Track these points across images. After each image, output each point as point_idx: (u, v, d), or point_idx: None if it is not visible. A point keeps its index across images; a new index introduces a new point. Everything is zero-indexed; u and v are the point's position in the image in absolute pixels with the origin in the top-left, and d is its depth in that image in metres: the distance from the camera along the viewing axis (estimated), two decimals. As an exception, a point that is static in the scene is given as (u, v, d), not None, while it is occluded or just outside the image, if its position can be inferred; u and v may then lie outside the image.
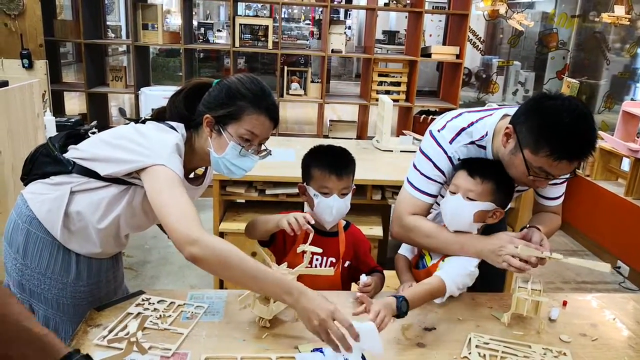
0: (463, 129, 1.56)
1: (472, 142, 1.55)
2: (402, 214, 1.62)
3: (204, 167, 1.59)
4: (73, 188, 1.37)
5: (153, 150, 1.30)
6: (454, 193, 1.52)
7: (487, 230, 1.60)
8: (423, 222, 1.59)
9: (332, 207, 1.60)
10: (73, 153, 1.40)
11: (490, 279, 1.65)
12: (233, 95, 1.37)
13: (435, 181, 1.59)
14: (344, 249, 1.69)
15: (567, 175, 1.51)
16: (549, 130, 1.34)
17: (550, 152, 1.34)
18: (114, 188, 1.37)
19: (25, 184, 1.47)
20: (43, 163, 1.43)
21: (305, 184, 1.67)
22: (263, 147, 1.45)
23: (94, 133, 1.45)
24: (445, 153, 1.56)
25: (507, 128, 1.43)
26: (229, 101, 1.37)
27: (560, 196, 1.70)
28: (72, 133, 1.49)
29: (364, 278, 1.55)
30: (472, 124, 1.56)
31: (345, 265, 1.70)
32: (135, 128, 1.39)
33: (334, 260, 1.68)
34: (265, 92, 1.40)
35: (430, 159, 1.59)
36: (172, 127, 1.40)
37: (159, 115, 1.48)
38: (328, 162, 1.62)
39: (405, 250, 1.73)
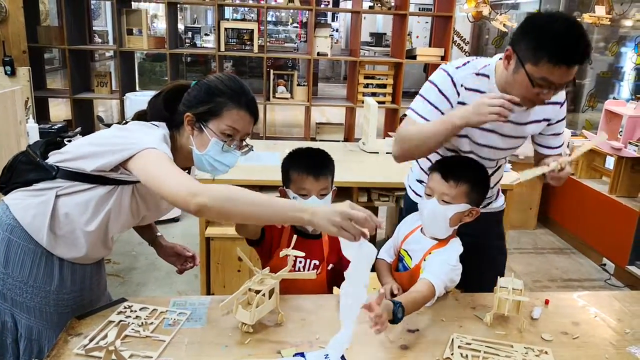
0: (468, 61, 1.68)
1: (477, 74, 1.64)
2: (399, 132, 1.68)
3: (188, 169, 1.59)
4: (58, 192, 1.36)
5: (140, 140, 1.30)
6: (429, 196, 1.54)
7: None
8: (409, 128, 1.63)
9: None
10: (56, 157, 1.39)
11: (483, 279, 1.66)
12: (212, 92, 1.39)
13: (438, 109, 1.63)
14: (328, 251, 1.70)
15: (563, 98, 1.65)
16: (545, 40, 1.43)
17: (549, 58, 1.42)
18: (100, 189, 1.36)
19: (4, 193, 1.45)
20: (24, 171, 1.41)
21: (285, 187, 1.67)
22: (244, 143, 1.46)
23: (69, 141, 1.44)
24: (451, 78, 1.63)
25: (506, 50, 1.52)
26: (208, 98, 1.39)
27: (561, 145, 1.79)
28: (51, 141, 1.48)
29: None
30: (475, 59, 1.69)
31: (329, 268, 1.70)
32: (118, 127, 1.41)
33: (317, 262, 1.68)
34: (244, 89, 1.42)
35: (435, 85, 1.65)
36: (155, 125, 1.41)
37: (140, 118, 1.48)
38: (305, 164, 1.63)
39: (384, 253, 1.74)
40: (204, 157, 1.40)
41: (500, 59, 1.58)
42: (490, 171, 1.80)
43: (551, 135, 1.76)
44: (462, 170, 1.53)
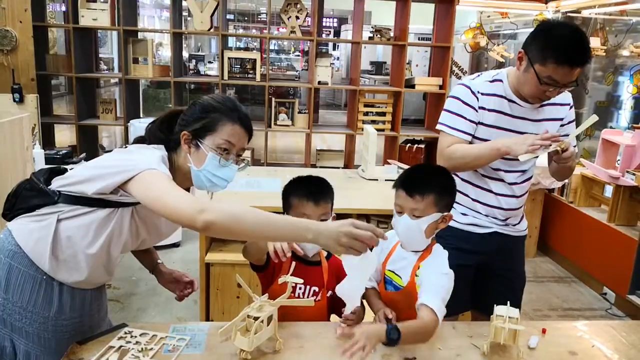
0: (481, 73, 1.95)
1: (491, 81, 1.89)
2: (442, 150, 1.90)
3: (187, 190, 1.61)
4: (60, 216, 1.39)
5: (139, 161, 1.33)
6: (400, 213, 1.57)
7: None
8: (457, 147, 1.87)
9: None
10: (58, 182, 1.43)
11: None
12: (206, 109, 1.45)
13: (465, 117, 1.87)
14: (327, 277, 1.72)
15: (565, 94, 1.86)
16: (552, 43, 1.67)
17: (554, 59, 1.66)
18: (101, 212, 1.39)
19: (8, 220, 1.48)
20: (28, 197, 1.45)
21: (285, 213, 1.70)
22: (241, 158, 1.50)
23: (72, 168, 1.48)
24: (469, 88, 1.89)
25: (519, 52, 1.77)
26: (203, 115, 1.44)
27: (574, 146, 1.93)
28: (55, 169, 1.52)
29: (349, 308, 1.56)
30: (485, 72, 1.96)
31: (328, 294, 1.72)
32: (118, 150, 1.46)
33: (316, 289, 1.69)
34: (237, 105, 1.48)
35: (457, 98, 1.90)
36: (154, 148, 1.45)
37: (139, 143, 1.53)
38: (305, 190, 1.66)
39: (369, 282, 1.71)
40: (202, 172, 1.43)
41: (513, 66, 1.82)
42: (520, 179, 1.95)
43: (564, 136, 1.89)
44: (426, 182, 1.56)
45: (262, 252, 1.62)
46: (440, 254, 1.62)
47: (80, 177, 1.39)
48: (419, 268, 1.58)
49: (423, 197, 1.53)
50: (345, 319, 1.55)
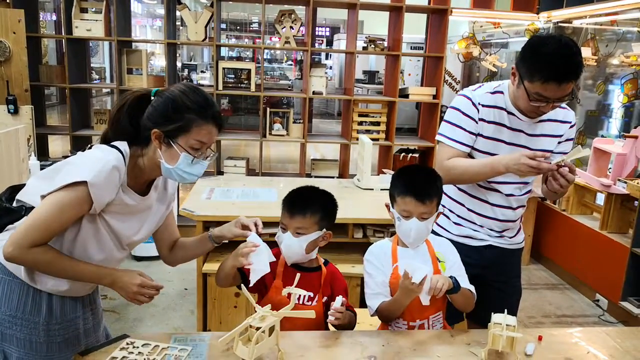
0: (482, 84, 1.95)
1: (492, 93, 1.88)
2: (441, 161, 1.90)
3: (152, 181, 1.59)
4: None
5: (80, 169, 1.34)
6: (407, 217, 1.68)
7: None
8: (457, 161, 1.87)
9: (281, 244, 1.70)
10: (20, 196, 1.48)
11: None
12: (179, 108, 1.41)
13: (464, 129, 1.87)
14: (323, 283, 1.74)
15: (568, 112, 1.89)
16: (537, 60, 1.65)
17: (539, 76, 1.64)
18: None
19: None
20: None
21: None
22: (209, 151, 1.50)
23: None
24: (470, 100, 1.88)
25: (512, 68, 1.77)
26: (176, 115, 1.40)
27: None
28: (17, 187, 1.55)
29: (339, 301, 1.58)
30: (487, 83, 1.96)
31: (323, 300, 1.73)
32: (79, 153, 1.44)
33: (311, 294, 1.71)
34: (209, 101, 1.45)
35: (458, 109, 1.90)
36: (115, 147, 1.43)
37: (106, 136, 1.50)
38: (289, 201, 1.71)
39: (381, 297, 1.72)
40: (174, 170, 1.45)
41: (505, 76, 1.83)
42: (518, 192, 1.97)
43: (558, 153, 1.91)
44: (432, 187, 1.69)
45: (230, 276, 1.67)
46: (439, 239, 1.82)
47: (30, 192, 1.44)
48: (437, 260, 1.74)
49: (432, 201, 1.68)
50: (335, 311, 1.58)
